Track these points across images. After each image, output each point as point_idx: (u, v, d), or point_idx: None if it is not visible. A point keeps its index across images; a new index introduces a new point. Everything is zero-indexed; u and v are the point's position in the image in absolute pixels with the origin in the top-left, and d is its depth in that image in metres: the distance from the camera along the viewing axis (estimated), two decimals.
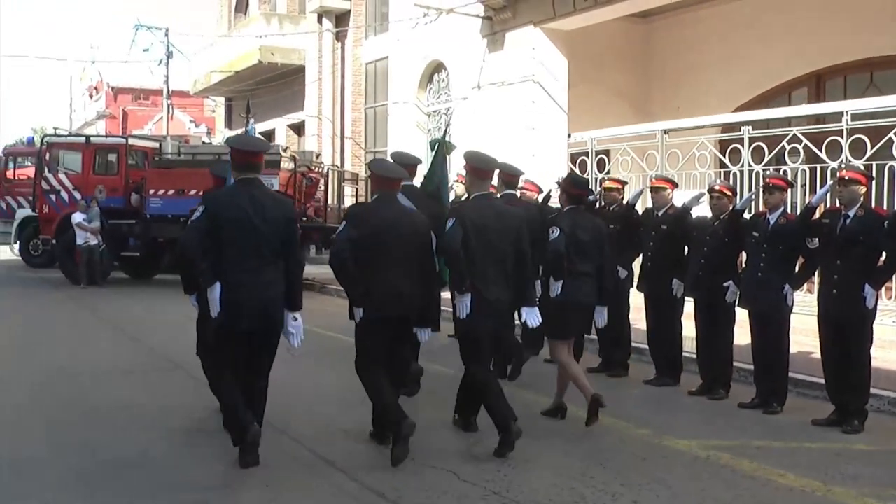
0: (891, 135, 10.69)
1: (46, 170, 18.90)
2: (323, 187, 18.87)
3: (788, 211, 7.67)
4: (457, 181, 10.15)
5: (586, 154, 15.09)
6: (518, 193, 9.39)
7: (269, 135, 29.45)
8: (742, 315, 7.77)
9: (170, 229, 16.35)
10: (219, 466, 5.55)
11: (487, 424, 6.25)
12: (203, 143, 23.62)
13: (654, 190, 8.65)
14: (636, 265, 8.97)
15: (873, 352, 6.92)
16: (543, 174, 12.64)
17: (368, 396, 5.99)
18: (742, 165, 12.33)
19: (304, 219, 17.59)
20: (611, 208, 9.15)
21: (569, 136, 16.01)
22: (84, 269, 17.35)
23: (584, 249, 6.85)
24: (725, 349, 7.96)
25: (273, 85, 28.30)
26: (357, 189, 21.57)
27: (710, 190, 8.08)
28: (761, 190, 7.88)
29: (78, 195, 18.23)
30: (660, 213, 8.52)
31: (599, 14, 15.38)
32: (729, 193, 8.02)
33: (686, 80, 17.18)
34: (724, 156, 12.90)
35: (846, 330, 6.79)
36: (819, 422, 6.94)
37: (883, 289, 7.39)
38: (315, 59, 26.06)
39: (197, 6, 43.87)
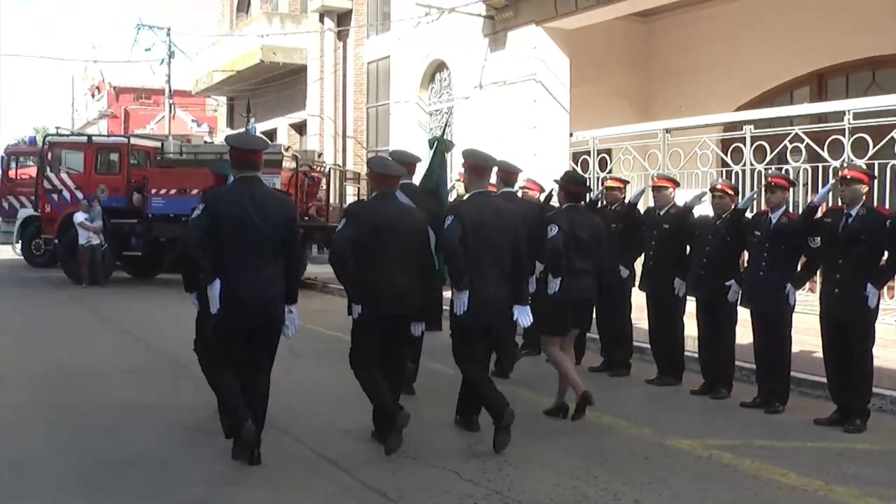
0: (893, 134, 10.69)
1: (48, 169, 18.91)
2: (325, 187, 18.86)
3: (790, 210, 7.65)
4: (458, 180, 10.15)
5: (588, 153, 15.10)
6: (520, 193, 9.43)
7: (271, 134, 29.45)
8: (744, 314, 7.76)
9: (172, 229, 16.36)
10: (220, 466, 5.54)
11: (489, 424, 6.25)
12: (205, 142, 23.61)
13: (655, 189, 8.64)
14: (638, 264, 8.97)
15: (875, 351, 6.91)
16: (545, 173, 12.63)
17: (366, 394, 6.03)
18: (744, 164, 12.33)
19: (306, 218, 17.61)
20: (612, 207, 9.14)
21: (570, 135, 16.02)
22: (86, 268, 17.37)
23: (583, 247, 6.91)
24: (727, 348, 7.95)
25: (275, 84, 28.31)
26: (359, 188, 21.54)
27: (712, 189, 8.07)
28: (763, 189, 7.87)
29: (80, 195, 18.26)
30: (662, 213, 8.51)
31: (601, 13, 15.37)
32: (731, 192, 8.01)
33: (688, 80, 17.17)
34: (726, 155, 12.91)
35: (848, 329, 6.78)
36: (821, 421, 6.93)
37: (885, 288, 7.38)
38: (317, 59, 26.06)
39: (199, 6, 43.85)
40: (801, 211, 8.23)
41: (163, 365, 9.03)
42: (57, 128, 26.15)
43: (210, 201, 5.54)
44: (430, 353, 7.57)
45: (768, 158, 12.13)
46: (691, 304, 8.35)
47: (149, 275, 19.39)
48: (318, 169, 19.16)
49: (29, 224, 21.18)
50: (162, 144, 19.54)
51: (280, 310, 5.59)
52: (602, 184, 10.81)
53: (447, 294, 6.91)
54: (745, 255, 7.95)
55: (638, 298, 9.01)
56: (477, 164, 6.50)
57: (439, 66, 20.06)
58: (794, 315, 7.48)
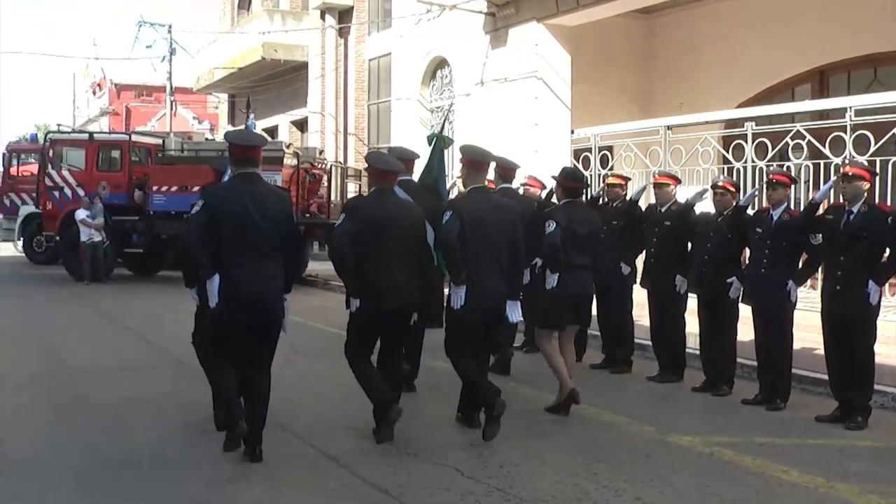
0: (894, 130, 10.67)
1: (50, 166, 18.94)
2: (326, 184, 18.89)
3: (792, 207, 7.65)
4: (459, 178, 10.13)
5: (589, 150, 15.09)
6: (521, 190, 9.44)
7: (272, 131, 29.46)
8: (745, 311, 7.76)
9: (173, 226, 16.36)
10: (221, 463, 5.54)
11: None
12: (206, 139, 23.64)
13: (657, 186, 8.64)
14: (639, 261, 8.96)
15: (877, 348, 6.91)
16: (546, 170, 12.62)
17: (360, 385, 6.11)
18: (745, 161, 12.32)
19: (308, 215, 17.63)
20: (614, 204, 9.14)
21: (572, 132, 16.00)
22: (88, 265, 17.39)
23: (581, 242, 6.97)
24: (729, 345, 7.94)
25: (276, 81, 28.30)
26: (360, 185, 21.54)
27: (714, 186, 8.06)
28: (764, 186, 7.85)
29: (81, 192, 18.30)
30: (663, 210, 8.50)
31: (602, 10, 15.35)
32: (732, 189, 8.00)
33: (689, 77, 17.14)
34: (728, 152, 12.90)
35: (850, 326, 6.77)
36: (822, 418, 6.93)
37: (887, 285, 7.36)
38: (318, 56, 26.06)
39: (200, 3, 43.81)
40: (802, 208, 8.23)
41: (164, 363, 9.03)
42: (58, 125, 26.27)
43: (209, 197, 5.54)
44: (431, 351, 7.57)
45: (770, 155, 12.12)
46: (692, 301, 8.35)
47: (150, 272, 19.40)
48: (320, 166, 19.18)
49: (30, 221, 21.22)
50: (163, 141, 19.55)
51: (280, 306, 5.60)
52: (603, 181, 10.80)
53: (448, 290, 6.91)
54: (747, 252, 7.95)
55: (639, 295, 9.00)
56: (475, 160, 6.54)
57: (440, 63, 20.05)
58: (796, 312, 7.48)
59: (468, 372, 6.27)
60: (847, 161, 10.33)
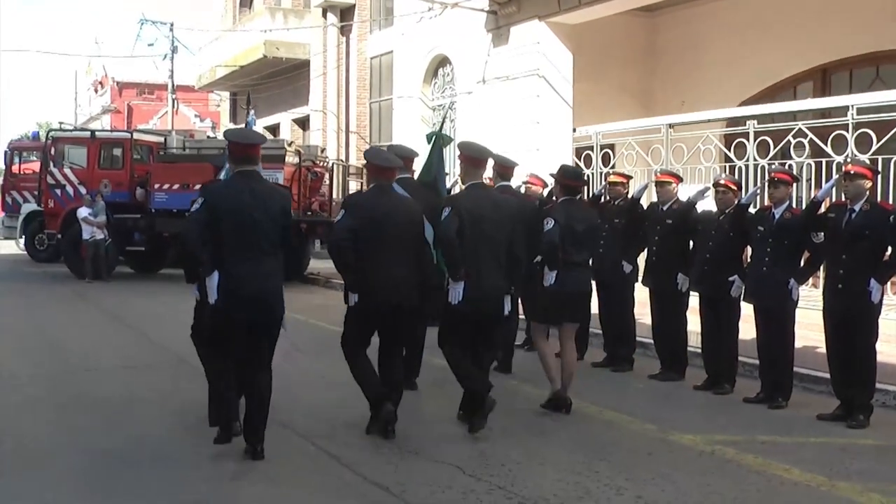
0: None
1: (51, 164, 18.93)
2: (328, 182, 18.89)
3: (794, 205, 7.64)
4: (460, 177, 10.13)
5: (591, 148, 15.08)
6: (523, 188, 9.44)
7: (274, 129, 29.43)
8: (747, 310, 7.76)
9: (175, 224, 16.32)
10: (222, 462, 5.54)
11: (492, 420, 6.25)
12: (208, 137, 23.63)
13: (658, 184, 8.63)
14: (641, 260, 8.96)
15: (879, 346, 6.91)
16: (548, 168, 12.61)
17: (355, 380, 6.18)
18: (747, 160, 12.31)
19: (309, 213, 17.63)
20: (615, 203, 9.13)
21: (573, 130, 15.99)
22: (90, 263, 17.39)
23: (579, 240, 6.98)
24: (730, 344, 7.94)
25: (278, 79, 28.28)
26: (362, 183, 21.51)
27: (716, 184, 8.05)
28: (766, 184, 7.85)
29: (83, 190, 18.29)
30: (665, 208, 8.50)
31: (604, 8, 15.33)
32: (734, 188, 7.99)
33: (691, 75, 17.13)
34: (730, 150, 12.88)
35: (851, 324, 6.76)
36: (824, 417, 6.92)
37: (888, 283, 7.36)
38: (320, 54, 26.04)
39: (202, 1, 43.83)
40: (804, 206, 8.22)
41: (165, 361, 9.03)
42: (60, 123, 26.18)
43: (209, 195, 5.56)
44: (433, 348, 7.56)
45: (771, 154, 12.11)
46: (694, 300, 8.34)
47: (152, 270, 19.41)
48: (321, 164, 19.17)
49: (32, 219, 21.20)
50: (165, 139, 19.54)
51: (280, 303, 5.62)
52: (605, 179, 10.80)
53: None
54: (748, 250, 7.94)
55: (641, 294, 9.00)
56: (472, 156, 6.59)
57: (442, 62, 20.03)
58: (798, 310, 7.48)
59: (458, 363, 6.33)
60: (849, 159, 10.32)
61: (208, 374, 5.91)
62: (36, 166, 20.71)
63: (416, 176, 7.75)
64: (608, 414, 7.02)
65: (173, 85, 37.15)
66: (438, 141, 7.79)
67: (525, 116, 16.33)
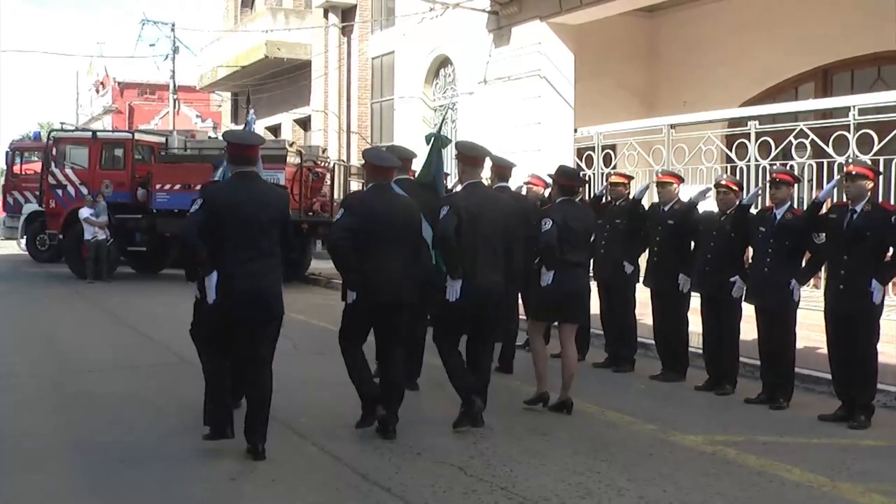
0: None
1: (53, 165, 18.92)
2: (329, 182, 18.89)
3: (795, 206, 7.64)
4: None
5: (592, 149, 15.06)
6: (524, 189, 9.44)
7: (275, 130, 29.45)
8: (748, 310, 7.75)
9: (176, 224, 16.27)
10: (224, 461, 5.54)
11: (493, 420, 6.25)
12: (209, 137, 23.63)
13: (660, 185, 8.63)
14: (642, 260, 8.96)
15: (880, 347, 6.90)
16: (549, 169, 12.60)
17: (349, 377, 6.21)
18: (748, 160, 12.29)
19: (311, 213, 17.62)
20: (617, 203, 9.13)
21: (575, 130, 15.98)
22: (91, 263, 17.39)
23: (576, 240, 6.97)
24: (731, 344, 7.94)
25: (279, 80, 28.28)
26: (363, 184, 21.55)
27: (717, 185, 8.05)
28: (768, 185, 7.84)
29: (84, 190, 18.29)
30: (666, 208, 8.50)
31: (605, 9, 15.32)
32: (735, 188, 7.99)
33: (692, 75, 17.12)
34: (731, 151, 12.86)
35: (853, 325, 6.76)
36: (826, 417, 6.92)
37: (890, 284, 7.35)
38: (321, 54, 26.03)
39: (203, 1, 43.91)
40: (805, 207, 8.21)
41: (166, 361, 9.03)
42: (61, 123, 26.22)
43: (208, 195, 5.59)
44: (433, 348, 7.55)
45: (773, 154, 12.09)
46: (695, 300, 8.34)
47: (153, 270, 19.41)
48: (323, 164, 19.17)
49: (34, 219, 21.21)
50: (166, 140, 19.53)
51: (279, 302, 5.65)
52: (606, 179, 10.79)
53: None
54: (750, 251, 7.94)
55: (642, 294, 9.00)
56: (470, 156, 6.64)
57: (444, 62, 20.04)
58: (799, 311, 7.47)
59: (452, 360, 6.37)
60: (850, 160, 10.30)
61: (206, 373, 5.91)
62: (37, 166, 20.73)
63: (415, 177, 7.77)
64: (610, 414, 7.02)
65: (175, 85, 37.21)
66: (437, 142, 7.80)
67: (526, 117, 16.32)
